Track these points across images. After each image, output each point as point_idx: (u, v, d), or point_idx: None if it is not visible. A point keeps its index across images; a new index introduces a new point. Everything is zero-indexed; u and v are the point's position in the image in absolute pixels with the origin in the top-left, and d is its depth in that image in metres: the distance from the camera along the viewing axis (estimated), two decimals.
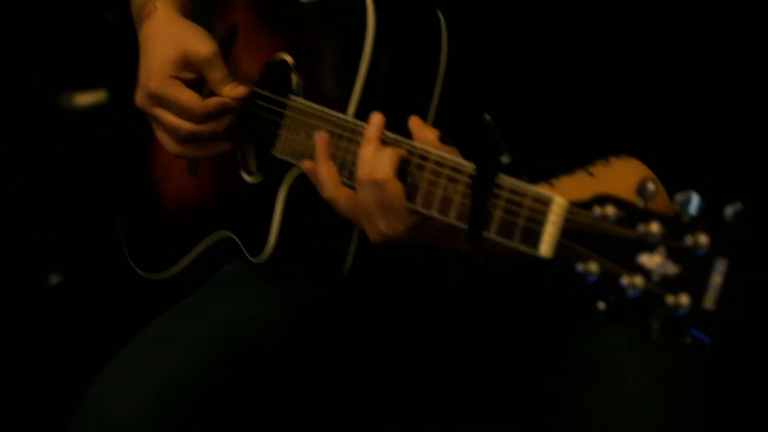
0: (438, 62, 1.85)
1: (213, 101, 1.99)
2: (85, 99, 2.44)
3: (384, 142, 1.72)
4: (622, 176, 1.81)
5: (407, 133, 1.74)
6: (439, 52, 1.86)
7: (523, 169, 1.58)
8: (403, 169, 1.69)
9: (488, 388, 2.00)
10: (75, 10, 2.46)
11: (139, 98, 2.03)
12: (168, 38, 2.01)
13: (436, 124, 1.72)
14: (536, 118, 1.86)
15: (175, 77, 2.00)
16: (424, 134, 1.70)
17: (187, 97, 1.98)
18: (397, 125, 1.76)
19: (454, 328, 2.03)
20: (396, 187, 1.68)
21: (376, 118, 1.74)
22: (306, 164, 1.82)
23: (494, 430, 1.98)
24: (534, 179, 1.73)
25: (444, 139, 1.63)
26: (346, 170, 1.80)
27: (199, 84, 2.03)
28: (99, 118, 2.43)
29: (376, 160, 1.69)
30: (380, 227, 1.71)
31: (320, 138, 1.80)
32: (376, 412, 2.06)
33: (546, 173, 1.78)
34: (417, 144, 1.69)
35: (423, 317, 2.04)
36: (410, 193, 1.68)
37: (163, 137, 2.05)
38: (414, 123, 1.73)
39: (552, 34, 1.85)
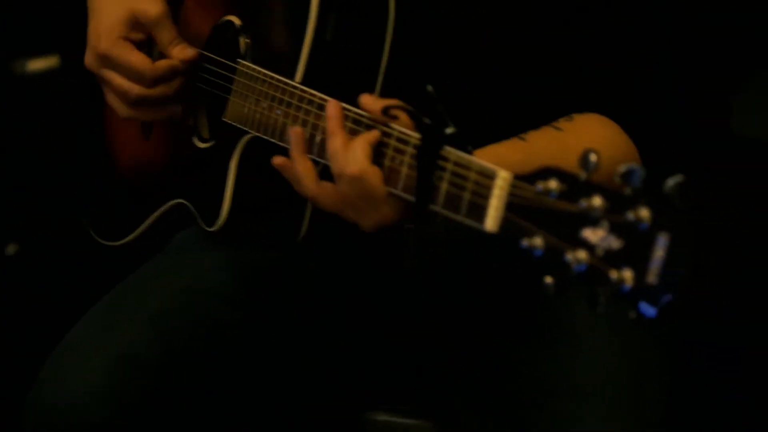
0: (385, 28, 1.83)
1: (162, 64, 1.96)
2: (37, 64, 2.41)
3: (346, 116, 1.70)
4: (589, 129, 1.80)
5: (354, 101, 1.71)
6: (387, 17, 1.83)
7: (471, 138, 1.56)
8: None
9: (448, 352, 2.00)
10: None
11: (89, 59, 2.00)
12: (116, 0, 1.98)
13: (382, 94, 1.69)
14: (528, 112, 1.83)
15: (126, 38, 1.97)
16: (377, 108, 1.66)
17: (137, 59, 1.95)
18: (345, 92, 1.73)
19: (414, 293, 2.02)
20: (375, 175, 1.63)
21: (332, 109, 1.68)
22: (277, 160, 1.75)
23: (456, 396, 1.98)
24: (502, 136, 1.73)
25: (386, 112, 1.60)
26: (309, 153, 1.77)
27: (149, 45, 2.01)
28: (52, 83, 2.40)
29: (347, 153, 1.64)
30: (372, 218, 1.67)
31: (295, 134, 1.73)
32: (336, 380, 2.06)
33: (514, 131, 1.78)
34: (366, 115, 1.67)
35: (381, 282, 2.04)
36: None
37: (113, 100, 2.02)
38: (371, 102, 1.67)
39: (544, 28, 1.83)
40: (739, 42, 1.89)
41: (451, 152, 1.52)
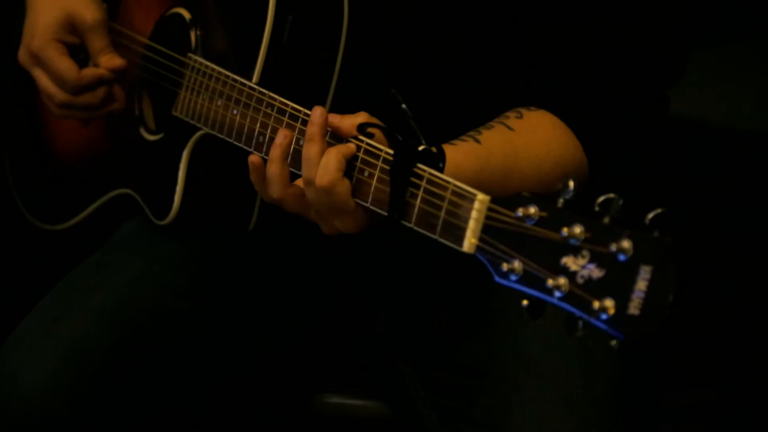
0: (340, 31, 1.82)
1: (87, 74, 1.97)
2: None
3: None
4: (539, 128, 1.81)
5: (308, 104, 1.70)
6: (341, 19, 1.82)
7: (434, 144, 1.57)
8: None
9: (397, 331, 2.02)
10: None
11: (22, 55, 2.01)
12: None
13: (336, 97, 1.69)
14: (477, 107, 1.84)
15: (60, 41, 1.97)
16: (346, 124, 1.65)
17: (64, 66, 1.96)
18: (300, 93, 1.73)
19: (361, 277, 2.04)
20: (344, 188, 1.62)
21: (318, 115, 1.65)
22: (252, 158, 1.70)
23: (406, 373, 2.00)
24: (456, 133, 1.74)
25: (362, 130, 1.60)
26: (254, 141, 1.77)
27: (83, 49, 2.00)
28: None
29: (320, 162, 1.62)
30: (335, 225, 1.66)
31: (284, 136, 1.69)
32: (287, 363, 2.08)
33: (465, 127, 1.78)
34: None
35: (329, 267, 2.05)
36: None
37: (44, 98, 2.02)
38: (334, 119, 1.66)
39: (491, 23, 1.83)
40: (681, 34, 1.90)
41: (425, 170, 1.53)
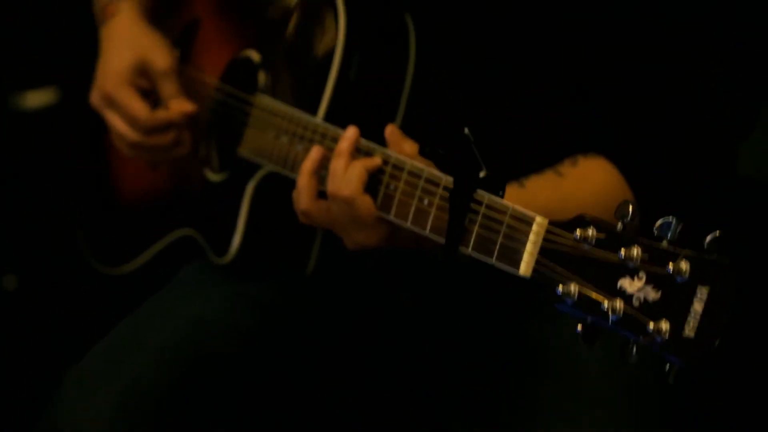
0: (406, 67, 1.85)
1: (160, 116, 2.02)
2: (35, 99, 2.38)
3: (358, 150, 1.72)
4: (590, 176, 1.80)
5: (378, 137, 1.73)
6: (407, 57, 1.85)
7: (494, 172, 1.58)
8: (376, 179, 1.68)
9: (451, 385, 2.01)
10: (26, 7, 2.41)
11: (94, 97, 2.06)
12: (128, 43, 2.03)
13: (409, 134, 1.71)
14: (508, 121, 1.86)
15: (131, 84, 2.02)
16: (401, 146, 1.70)
17: (137, 107, 2.01)
18: (366, 130, 1.75)
19: (418, 324, 2.04)
20: (365, 203, 1.68)
21: (351, 132, 1.73)
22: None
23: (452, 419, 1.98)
24: (504, 179, 1.74)
25: (423, 151, 1.62)
26: (318, 175, 1.79)
27: (154, 93, 2.05)
28: (50, 117, 2.38)
29: (344, 175, 1.69)
30: (356, 238, 1.72)
31: (315, 151, 1.77)
32: (342, 411, 2.07)
33: (515, 172, 1.78)
34: (392, 153, 1.69)
35: (387, 315, 2.05)
36: (384, 203, 1.67)
37: (116, 139, 2.07)
38: (391, 132, 1.72)
39: (552, 71, 1.84)
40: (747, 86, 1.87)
41: (484, 195, 1.54)
